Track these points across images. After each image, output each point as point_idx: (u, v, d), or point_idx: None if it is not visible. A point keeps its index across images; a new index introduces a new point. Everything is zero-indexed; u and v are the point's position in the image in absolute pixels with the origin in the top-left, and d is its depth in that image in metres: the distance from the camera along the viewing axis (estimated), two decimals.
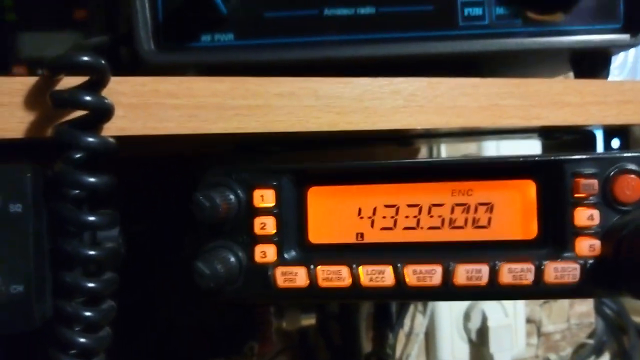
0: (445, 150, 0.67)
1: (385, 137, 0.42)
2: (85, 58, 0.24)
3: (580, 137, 0.38)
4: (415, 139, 0.49)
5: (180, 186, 0.36)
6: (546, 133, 0.39)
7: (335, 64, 0.32)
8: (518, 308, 0.68)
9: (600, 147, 0.39)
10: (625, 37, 0.32)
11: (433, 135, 0.45)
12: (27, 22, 0.38)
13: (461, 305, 0.67)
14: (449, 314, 0.67)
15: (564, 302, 0.73)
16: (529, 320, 0.71)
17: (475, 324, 0.66)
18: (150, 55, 0.31)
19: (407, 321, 0.67)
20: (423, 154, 0.66)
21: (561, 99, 0.33)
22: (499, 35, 0.32)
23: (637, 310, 0.74)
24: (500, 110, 0.32)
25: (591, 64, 0.34)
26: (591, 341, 0.72)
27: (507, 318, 0.66)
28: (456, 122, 0.31)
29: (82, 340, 0.26)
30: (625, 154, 0.26)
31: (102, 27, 0.39)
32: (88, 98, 0.24)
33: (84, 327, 0.26)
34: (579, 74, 0.35)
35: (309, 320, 0.59)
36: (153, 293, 0.47)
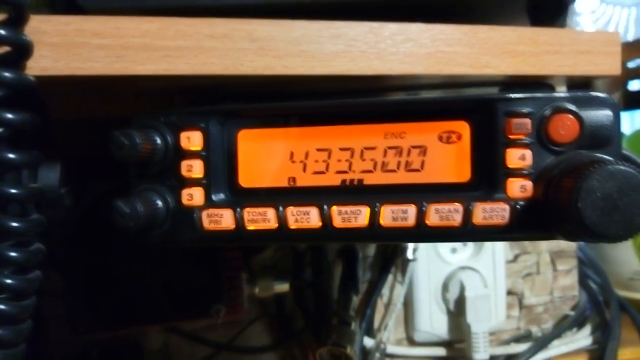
0: None
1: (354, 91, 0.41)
2: None
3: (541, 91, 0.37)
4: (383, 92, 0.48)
5: None
6: (507, 87, 0.38)
7: (276, 9, 0.31)
8: (498, 280, 0.67)
9: None
10: None
11: (401, 89, 0.44)
12: None
13: (440, 276, 0.66)
14: (427, 284, 0.66)
15: (547, 275, 0.72)
16: (510, 292, 0.71)
17: (453, 294, 0.65)
18: (88, 0, 0.30)
19: (385, 291, 0.67)
20: None
21: (514, 48, 0.32)
22: None
23: (621, 283, 0.73)
24: (447, 57, 0.31)
25: (548, 11, 0.33)
26: (574, 313, 0.71)
27: (486, 289, 0.65)
28: (400, 69, 0.30)
29: (9, 281, 0.26)
30: (560, 94, 0.25)
31: None
32: (3, 32, 0.23)
33: (10, 269, 0.26)
34: (535, 23, 0.34)
35: (282, 287, 0.59)
36: (115, 253, 0.47)
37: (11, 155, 0.25)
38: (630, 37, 0.87)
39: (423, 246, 0.65)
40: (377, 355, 0.62)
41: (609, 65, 0.32)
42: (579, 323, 0.69)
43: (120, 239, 0.47)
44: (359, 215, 0.25)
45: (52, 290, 0.44)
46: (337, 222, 0.26)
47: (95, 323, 0.49)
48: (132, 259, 0.47)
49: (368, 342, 0.62)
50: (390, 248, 0.65)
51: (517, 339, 0.69)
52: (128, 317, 0.48)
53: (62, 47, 0.26)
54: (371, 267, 0.67)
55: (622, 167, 0.21)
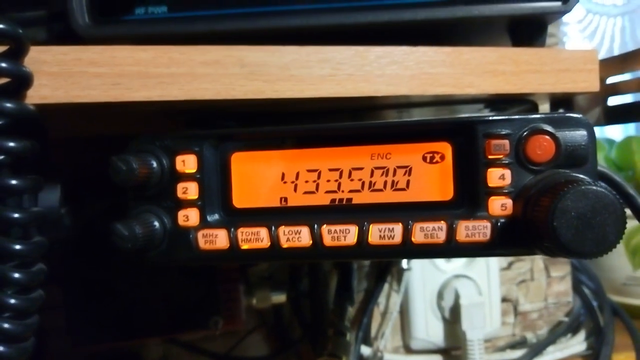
0: None
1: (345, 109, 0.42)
2: (1, 26, 0.24)
3: (524, 107, 0.38)
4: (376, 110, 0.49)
5: None
6: (492, 103, 0.39)
7: (265, 34, 0.32)
8: (493, 287, 0.68)
9: None
10: (557, 4, 0.32)
11: (391, 107, 0.45)
12: None
13: (435, 284, 0.67)
14: (423, 293, 0.67)
15: (541, 281, 0.73)
16: (505, 299, 0.71)
17: (448, 302, 0.66)
18: (86, 29, 0.32)
19: (381, 300, 0.68)
20: None
21: (495, 68, 0.33)
22: (434, 3, 0.32)
23: (614, 289, 0.74)
24: (431, 78, 0.32)
25: (527, 31, 0.34)
26: (568, 319, 0.72)
27: (480, 296, 0.66)
28: (386, 90, 0.31)
29: (13, 300, 0.27)
30: (537, 115, 0.26)
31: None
32: (4, 65, 0.25)
33: (14, 289, 0.27)
34: (516, 43, 0.35)
35: (279, 298, 0.60)
36: (114, 267, 0.48)
37: (13, 182, 0.26)
38: (617, 46, 0.88)
39: None
40: None
41: (588, 82, 0.33)
42: (573, 329, 0.70)
43: (119, 254, 0.49)
44: (348, 234, 0.26)
45: (52, 304, 0.45)
46: (327, 240, 0.27)
47: (95, 336, 0.50)
48: (131, 272, 0.48)
49: (365, 350, 0.63)
50: None
51: (512, 346, 0.70)
52: (127, 330, 0.49)
53: (61, 76, 0.27)
54: (367, 276, 0.68)
55: (594, 187, 0.22)
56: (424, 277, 0.67)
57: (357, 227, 0.27)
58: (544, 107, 0.40)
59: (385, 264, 0.66)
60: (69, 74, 0.27)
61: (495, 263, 0.68)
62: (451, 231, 0.26)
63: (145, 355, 0.63)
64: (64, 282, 0.49)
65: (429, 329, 0.67)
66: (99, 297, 0.49)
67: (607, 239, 0.22)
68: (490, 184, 0.26)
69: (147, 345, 0.63)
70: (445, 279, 0.67)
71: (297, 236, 0.27)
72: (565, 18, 0.90)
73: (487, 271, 0.68)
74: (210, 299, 0.51)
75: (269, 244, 0.27)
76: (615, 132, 0.96)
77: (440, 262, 0.67)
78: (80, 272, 0.49)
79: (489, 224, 0.26)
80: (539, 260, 0.73)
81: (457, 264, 0.68)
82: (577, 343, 0.68)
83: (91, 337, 0.50)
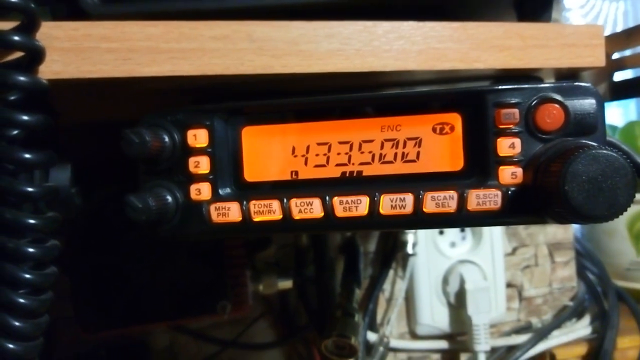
0: None
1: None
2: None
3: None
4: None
5: None
6: (498, 80, 0.39)
7: (274, 11, 0.32)
8: (497, 272, 0.69)
9: None
10: None
11: (396, 85, 0.45)
12: None
13: (440, 270, 0.67)
14: (428, 278, 0.67)
15: (546, 267, 0.73)
16: (510, 285, 0.72)
17: (453, 287, 0.66)
18: (94, 7, 0.32)
19: (387, 286, 0.68)
20: None
21: (502, 43, 0.33)
22: None
23: (618, 274, 0.74)
24: (438, 53, 0.32)
25: (533, 6, 0.34)
26: (573, 304, 0.72)
27: (485, 281, 0.66)
28: (394, 65, 0.32)
29: (28, 275, 0.27)
30: (546, 84, 0.26)
31: None
32: (17, 38, 0.25)
33: (28, 265, 0.27)
34: (521, 18, 0.35)
35: (286, 284, 0.60)
36: (122, 252, 0.48)
37: (27, 155, 0.26)
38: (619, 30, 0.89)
39: (422, 241, 0.66)
40: (381, 349, 0.63)
41: (594, 57, 0.33)
42: (578, 313, 0.71)
43: (126, 239, 0.49)
44: (360, 205, 0.27)
45: (60, 291, 0.46)
46: (339, 211, 0.27)
47: (103, 322, 0.50)
48: (138, 258, 0.49)
49: (371, 336, 0.64)
50: (390, 243, 0.67)
51: (518, 331, 0.71)
52: (136, 315, 0.49)
53: (72, 52, 0.27)
54: (372, 262, 0.68)
55: (605, 151, 0.22)
56: (428, 263, 0.67)
57: (368, 198, 0.27)
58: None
59: (390, 250, 0.67)
60: (80, 50, 0.27)
61: (499, 248, 0.68)
62: (462, 200, 0.26)
63: (152, 343, 0.63)
64: (72, 269, 0.49)
65: (434, 314, 0.67)
66: (107, 283, 0.49)
67: (618, 202, 0.23)
68: (500, 153, 0.26)
69: (154, 334, 0.63)
70: (450, 264, 0.67)
71: (309, 207, 0.27)
72: (568, 3, 0.90)
73: (492, 256, 0.68)
74: (217, 284, 0.51)
75: (281, 216, 0.27)
76: (617, 118, 0.97)
77: (444, 247, 0.67)
78: (88, 258, 0.49)
79: (499, 193, 0.26)
80: (543, 246, 0.73)
81: (462, 250, 0.68)
82: (582, 327, 0.68)
83: (99, 323, 0.50)
